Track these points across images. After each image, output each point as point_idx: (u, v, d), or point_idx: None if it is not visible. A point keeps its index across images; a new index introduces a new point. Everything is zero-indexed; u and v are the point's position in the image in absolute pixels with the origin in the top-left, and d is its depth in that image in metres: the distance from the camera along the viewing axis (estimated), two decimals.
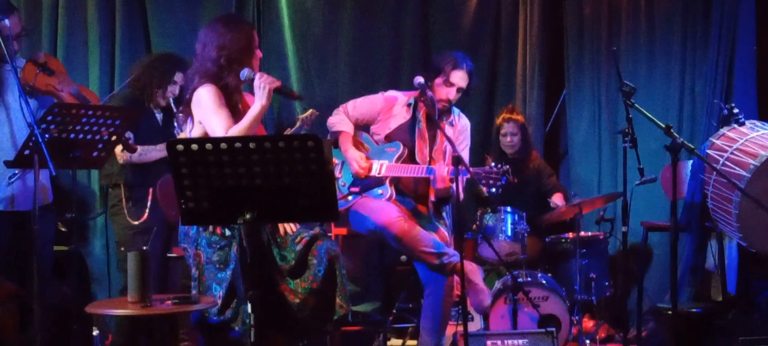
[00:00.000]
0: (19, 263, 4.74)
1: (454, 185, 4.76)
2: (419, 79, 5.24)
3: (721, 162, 5.28)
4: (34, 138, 4.18)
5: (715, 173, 5.25)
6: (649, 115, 4.65)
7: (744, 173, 5.12)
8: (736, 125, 5.48)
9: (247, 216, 3.39)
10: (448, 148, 5.38)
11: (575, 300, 6.00)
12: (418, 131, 5.42)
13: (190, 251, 4.27)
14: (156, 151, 5.51)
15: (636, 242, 6.55)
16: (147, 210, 5.57)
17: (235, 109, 4.31)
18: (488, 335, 5.34)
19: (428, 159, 5.40)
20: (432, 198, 5.40)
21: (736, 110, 5.56)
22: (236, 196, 3.39)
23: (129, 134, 4.94)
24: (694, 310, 6.12)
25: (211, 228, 4.19)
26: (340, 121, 5.52)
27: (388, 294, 6.69)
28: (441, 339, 5.27)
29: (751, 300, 6.01)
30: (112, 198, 5.71)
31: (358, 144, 5.49)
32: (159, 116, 5.69)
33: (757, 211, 4.97)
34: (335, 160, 5.43)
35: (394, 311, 6.28)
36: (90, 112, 4.37)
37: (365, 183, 5.36)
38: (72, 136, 4.34)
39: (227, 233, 4.20)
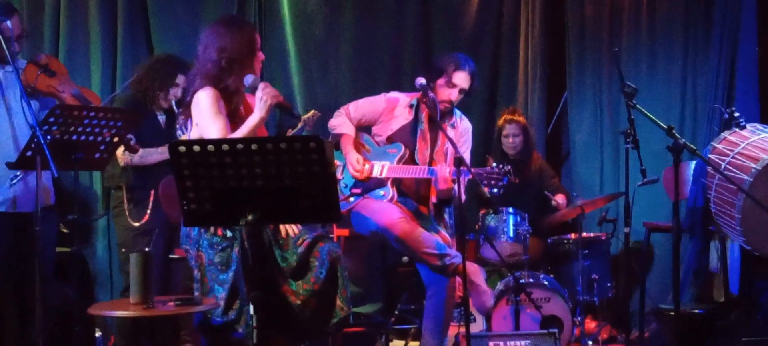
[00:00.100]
0: (21, 264, 4.74)
1: (455, 186, 4.76)
2: (421, 81, 5.25)
3: (722, 166, 5.28)
4: (36, 140, 4.18)
5: (717, 176, 5.25)
6: (651, 116, 4.65)
7: (746, 177, 5.12)
8: (737, 129, 5.48)
9: (249, 217, 3.39)
10: (450, 149, 5.38)
11: (577, 301, 6.00)
12: (421, 132, 5.42)
13: (191, 253, 4.27)
14: (157, 154, 5.52)
15: (638, 243, 6.55)
16: (148, 212, 5.58)
17: (235, 111, 4.30)
18: (490, 336, 5.34)
19: (429, 160, 5.40)
20: (433, 199, 5.40)
21: (736, 114, 5.56)
22: (238, 197, 3.39)
23: (130, 136, 4.93)
24: (696, 311, 6.12)
25: (212, 229, 4.19)
26: (341, 123, 5.52)
27: (390, 295, 6.68)
28: (443, 340, 5.27)
29: (753, 301, 6.01)
30: (115, 200, 5.72)
31: (359, 145, 5.48)
32: (161, 118, 5.69)
33: (760, 214, 4.97)
34: (337, 162, 5.43)
35: (396, 313, 6.28)
36: (92, 114, 4.37)
37: (367, 184, 5.36)
38: (74, 137, 4.35)
39: (228, 234, 4.19)
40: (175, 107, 5.51)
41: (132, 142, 5.03)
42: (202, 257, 4.23)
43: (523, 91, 7.24)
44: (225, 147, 3.32)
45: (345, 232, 5.97)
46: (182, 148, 3.32)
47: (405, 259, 5.81)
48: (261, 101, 4.17)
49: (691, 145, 4.54)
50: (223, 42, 4.26)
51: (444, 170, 5.17)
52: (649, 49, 7.06)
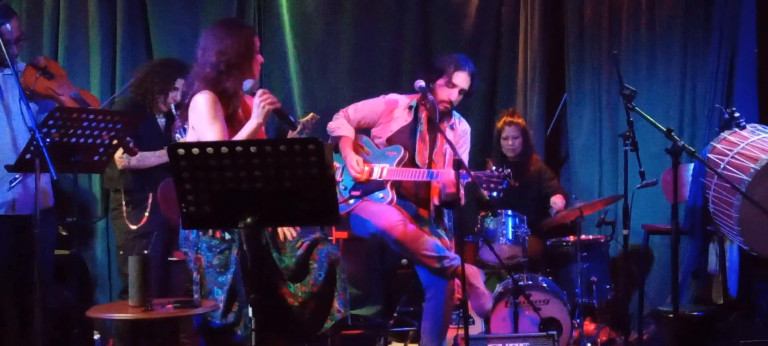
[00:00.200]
0: (20, 267, 4.74)
1: (460, 190, 4.76)
2: (420, 83, 5.26)
3: (722, 166, 5.28)
4: (35, 142, 4.18)
5: (716, 177, 5.25)
6: (650, 119, 4.66)
7: (745, 177, 5.12)
8: (737, 129, 5.48)
9: (248, 220, 3.39)
10: (448, 151, 5.38)
11: (576, 303, 6.00)
12: (420, 134, 5.42)
13: (190, 255, 4.27)
14: (155, 157, 5.52)
15: (637, 245, 6.55)
16: (146, 215, 5.57)
17: (233, 115, 4.30)
18: (489, 338, 5.34)
19: (428, 162, 5.40)
20: (436, 202, 5.40)
21: (737, 114, 5.57)
22: (237, 200, 3.39)
23: (129, 138, 4.93)
24: (695, 313, 6.13)
25: (210, 232, 4.19)
26: (340, 125, 5.52)
27: (389, 298, 6.69)
28: (442, 343, 5.27)
29: (752, 303, 6.01)
30: (113, 202, 5.73)
31: (358, 148, 5.49)
32: (161, 122, 5.69)
33: (758, 214, 4.97)
34: (336, 165, 5.43)
35: (395, 315, 6.28)
36: (91, 116, 4.37)
37: (366, 187, 5.36)
38: (73, 140, 4.35)
39: (227, 236, 4.19)
40: (174, 111, 5.51)
41: (130, 145, 5.03)
42: (201, 260, 4.23)
43: (522, 94, 7.25)
44: (224, 150, 3.31)
45: (344, 234, 5.97)
46: (181, 151, 3.32)
47: (404, 261, 5.82)
48: (258, 107, 4.17)
49: (690, 148, 4.54)
50: (222, 45, 4.26)
51: (450, 174, 5.15)
52: (648, 51, 7.06)
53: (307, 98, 6.86)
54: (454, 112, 5.56)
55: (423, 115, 5.44)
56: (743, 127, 5.47)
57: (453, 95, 5.39)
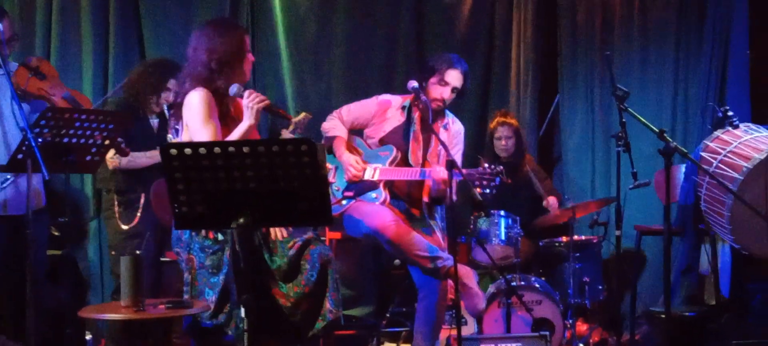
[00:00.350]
0: (12, 267, 4.73)
1: (448, 188, 4.76)
2: (413, 83, 5.26)
3: (714, 164, 5.29)
4: (27, 142, 4.18)
5: (708, 175, 5.26)
6: (643, 120, 4.66)
7: (737, 176, 5.13)
8: (730, 128, 5.50)
9: (241, 220, 3.39)
10: (442, 151, 5.38)
11: (569, 304, 6.00)
12: (413, 134, 5.42)
13: (182, 256, 4.26)
14: (145, 158, 5.51)
15: (629, 246, 6.56)
16: (138, 215, 5.57)
17: (226, 113, 4.30)
18: (482, 338, 5.35)
19: (422, 162, 5.41)
20: (425, 199, 5.40)
21: (730, 113, 5.58)
22: (230, 200, 3.38)
23: (121, 139, 4.92)
24: (687, 313, 6.14)
25: (203, 232, 4.18)
26: (334, 126, 5.52)
27: (382, 298, 6.69)
28: (435, 343, 5.27)
29: (744, 303, 6.03)
30: (106, 202, 5.72)
31: (351, 149, 5.48)
32: (154, 122, 5.68)
33: (749, 213, 4.98)
34: (329, 165, 5.43)
35: (388, 315, 6.28)
36: (83, 117, 4.36)
37: (359, 187, 5.36)
38: (65, 140, 4.34)
39: (220, 237, 4.19)
40: (166, 112, 5.50)
41: (122, 146, 5.02)
42: (193, 260, 4.22)
43: (515, 94, 7.25)
44: (216, 150, 3.31)
45: (337, 235, 5.96)
46: (174, 151, 3.32)
47: (397, 261, 5.82)
48: (248, 109, 4.17)
49: (683, 149, 4.55)
50: (213, 44, 4.25)
51: (441, 170, 5.15)
52: (641, 52, 7.08)
53: (300, 98, 6.86)
54: (448, 112, 5.56)
55: (416, 115, 5.44)
56: (736, 126, 5.49)
57: (445, 93, 5.39)
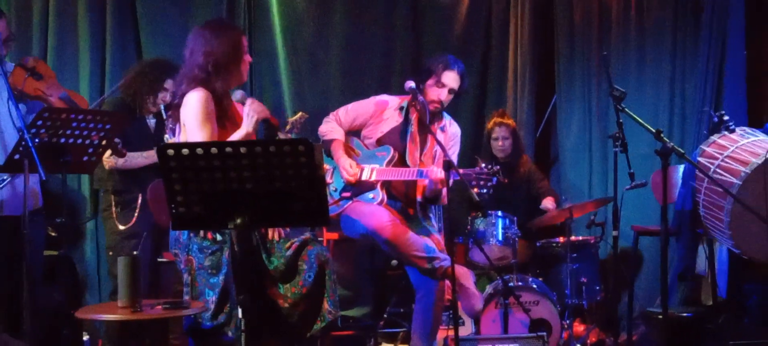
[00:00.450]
0: (9, 268, 4.72)
1: (444, 189, 4.75)
2: (410, 84, 5.27)
3: (711, 170, 5.29)
4: (23, 143, 4.17)
5: (706, 180, 5.26)
6: (640, 120, 4.66)
7: (735, 181, 5.14)
8: (726, 133, 5.50)
9: (238, 221, 3.39)
10: (438, 152, 5.39)
11: (566, 304, 6.00)
12: (410, 135, 5.42)
13: (181, 257, 4.26)
14: (142, 158, 5.51)
15: (626, 247, 6.57)
16: (135, 215, 5.56)
17: (224, 115, 4.29)
18: (479, 339, 5.35)
19: (418, 163, 5.40)
20: (419, 199, 5.39)
21: (726, 118, 5.58)
22: (227, 200, 3.38)
23: (117, 139, 4.92)
24: (684, 314, 6.15)
25: (202, 233, 4.18)
26: (331, 129, 5.52)
27: (379, 298, 6.68)
28: (432, 343, 5.27)
29: (741, 304, 6.03)
30: (103, 203, 5.72)
31: (349, 150, 5.48)
32: (151, 122, 5.68)
33: (748, 218, 4.98)
34: (327, 166, 5.43)
35: (386, 316, 6.28)
36: (80, 117, 4.35)
37: (356, 188, 5.36)
38: (62, 140, 4.33)
39: (218, 237, 4.18)
40: (163, 112, 5.50)
41: (119, 146, 5.01)
42: (192, 261, 4.22)
43: (512, 95, 7.26)
44: (214, 150, 3.31)
45: (335, 235, 5.96)
46: (171, 151, 3.32)
47: (394, 262, 5.82)
48: (248, 117, 4.17)
49: (680, 149, 4.55)
50: (210, 46, 4.25)
51: (438, 170, 5.15)
52: (638, 52, 7.08)
53: (297, 98, 6.85)
54: (445, 114, 5.56)
55: (413, 116, 5.45)
56: (733, 131, 5.49)
57: (442, 95, 5.39)
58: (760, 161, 5.12)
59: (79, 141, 4.41)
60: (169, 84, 5.50)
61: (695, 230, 5.81)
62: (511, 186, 6.19)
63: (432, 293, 5.18)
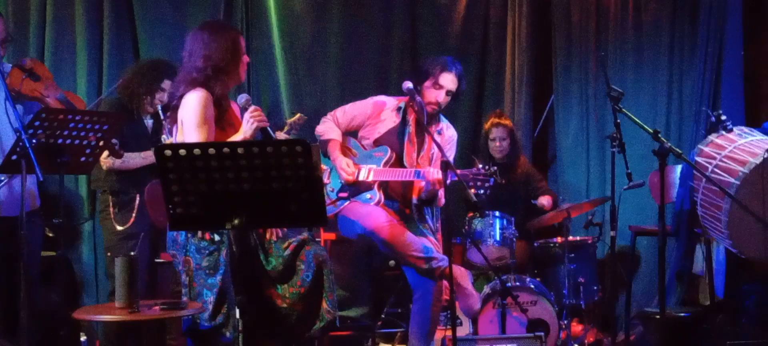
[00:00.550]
0: (6, 269, 4.71)
1: (441, 190, 4.75)
2: (408, 85, 5.27)
3: (709, 169, 5.29)
4: (21, 143, 4.16)
5: (704, 180, 5.27)
6: (637, 120, 4.67)
7: (733, 181, 5.13)
8: (724, 132, 5.50)
9: (236, 221, 3.39)
10: (435, 153, 5.39)
11: (563, 305, 6.00)
12: (408, 136, 5.42)
13: (179, 258, 4.26)
14: (139, 159, 5.50)
15: (624, 247, 6.56)
16: (133, 216, 5.56)
17: (222, 117, 4.29)
18: (477, 339, 5.35)
19: (415, 163, 5.40)
20: (414, 200, 5.39)
21: (723, 117, 5.58)
22: (225, 201, 3.38)
23: (114, 140, 4.92)
24: (682, 314, 6.15)
25: (200, 234, 4.18)
26: (328, 129, 5.52)
27: (376, 299, 6.68)
28: (430, 344, 5.27)
29: (738, 304, 6.03)
30: (101, 203, 5.71)
31: (346, 150, 5.48)
32: (149, 123, 5.67)
33: (746, 217, 4.98)
34: (324, 167, 5.43)
35: (383, 316, 6.28)
36: (77, 118, 4.35)
37: (354, 188, 5.36)
38: (59, 141, 4.33)
39: (216, 238, 4.19)
40: (160, 113, 5.49)
41: (116, 147, 5.01)
42: (190, 262, 4.22)
43: (509, 95, 7.26)
44: (211, 151, 3.31)
45: (332, 236, 5.97)
46: (168, 152, 3.32)
47: (392, 262, 5.82)
48: (247, 123, 4.17)
49: (677, 149, 4.56)
50: (209, 50, 4.26)
51: (436, 173, 5.15)
52: (636, 52, 7.08)
53: (294, 99, 6.85)
54: (442, 118, 5.57)
55: (411, 117, 5.44)
56: (730, 130, 5.49)
57: (440, 97, 5.39)
58: (758, 161, 5.12)
59: (77, 142, 4.41)
60: (166, 84, 5.49)
61: (693, 229, 5.82)
62: (508, 186, 6.19)
63: (430, 294, 5.18)
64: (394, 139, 5.43)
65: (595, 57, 7.11)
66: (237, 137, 4.19)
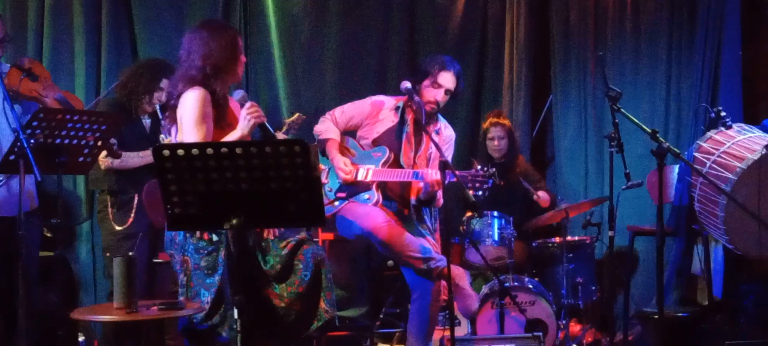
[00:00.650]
0: (4, 269, 4.71)
1: (440, 191, 4.75)
2: (406, 85, 5.27)
3: (707, 165, 5.30)
4: (19, 143, 4.16)
5: (701, 176, 5.28)
6: (635, 120, 4.67)
7: (730, 176, 5.14)
8: (723, 128, 5.51)
9: (234, 221, 3.39)
10: (433, 154, 5.38)
11: (562, 305, 6.01)
12: (406, 136, 5.42)
13: (177, 257, 4.25)
14: (138, 158, 5.50)
15: (622, 247, 6.56)
16: (132, 216, 5.55)
17: (221, 116, 4.29)
18: (475, 339, 5.35)
19: (412, 164, 5.40)
20: (413, 200, 5.39)
21: (723, 113, 5.59)
22: (223, 201, 3.38)
23: (113, 140, 4.91)
24: (680, 314, 6.15)
25: (198, 234, 4.17)
26: (327, 129, 5.51)
27: (375, 299, 6.69)
28: (428, 344, 5.26)
29: (737, 304, 6.04)
30: (99, 204, 5.70)
31: (344, 150, 5.48)
32: (146, 123, 5.67)
33: (743, 214, 4.99)
34: (322, 166, 5.43)
35: (382, 316, 6.28)
36: (75, 118, 4.35)
37: (352, 188, 5.36)
38: (58, 141, 4.33)
39: (214, 238, 4.18)
40: (159, 112, 5.49)
41: (114, 147, 5.01)
42: (188, 262, 4.21)
43: (508, 95, 7.26)
44: (209, 151, 3.31)
45: (330, 236, 5.97)
46: (166, 152, 3.31)
47: (390, 262, 5.82)
48: (244, 120, 4.17)
49: (675, 149, 4.56)
50: (208, 48, 4.25)
51: (434, 174, 5.15)
52: (634, 53, 7.09)
53: (292, 98, 6.85)
54: (441, 118, 5.56)
55: (409, 116, 5.44)
56: (730, 127, 5.50)
57: (439, 96, 5.39)
58: (755, 157, 5.13)
59: (75, 142, 4.40)
60: (164, 84, 5.49)
61: (691, 226, 5.82)
62: (507, 187, 6.19)
63: (428, 294, 5.17)
64: (393, 139, 5.43)
65: (593, 57, 7.11)
66: (234, 135, 4.18)
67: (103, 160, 5.44)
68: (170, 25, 6.51)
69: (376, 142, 5.45)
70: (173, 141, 4.34)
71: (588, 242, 6.32)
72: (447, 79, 5.38)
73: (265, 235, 4.34)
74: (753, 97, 6.81)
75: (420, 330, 5.22)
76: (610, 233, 5.31)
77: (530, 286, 5.83)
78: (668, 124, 6.95)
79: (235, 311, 3.93)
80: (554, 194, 6.75)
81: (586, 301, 6.19)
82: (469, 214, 6.19)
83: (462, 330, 5.86)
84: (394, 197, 5.42)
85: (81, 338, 5.73)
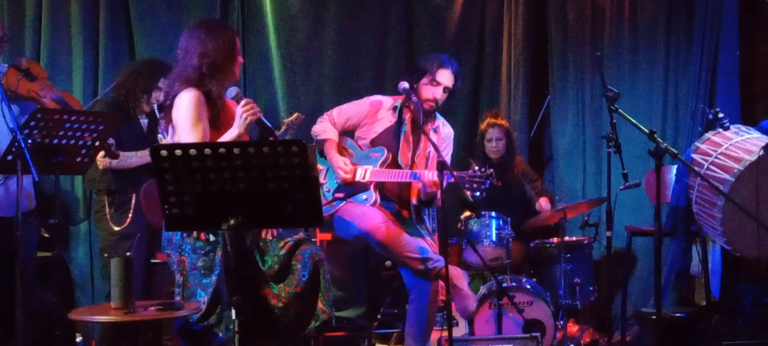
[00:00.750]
0: (2, 269, 4.70)
1: (439, 191, 4.75)
2: (404, 85, 5.27)
3: (705, 166, 5.30)
4: (16, 143, 4.16)
5: (699, 177, 5.28)
6: (633, 121, 4.67)
7: (728, 177, 5.14)
8: (721, 130, 5.51)
9: (232, 222, 3.38)
10: (432, 153, 5.38)
11: (560, 305, 6.00)
12: (404, 136, 5.42)
13: (174, 257, 4.25)
14: (136, 158, 5.49)
15: (620, 247, 6.57)
16: (129, 216, 5.55)
17: (216, 116, 4.28)
18: (473, 340, 5.35)
19: (410, 164, 5.40)
20: (414, 202, 5.39)
21: (721, 115, 5.59)
22: (220, 201, 3.38)
23: (111, 140, 4.91)
24: (678, 314, 6.15)
25: (195, 234, 4.17)
26: (325, 129, 5.51)
27: (372, 299, 6.68)
28: (426, 344, 5.27)
29: (734, 304, 6.04)
30: (97, 204, 5.70)
31: (342, 150, 5.48)
32: (144, 122, 5.67)
33: (741, 215, 4.99)
34: (320, 167, 5.43)
35: (379, 316, 6.28)
36: (73, 118, 4.34)
37: (350, 189, 5.35)
38: (55, 141, 4.32)
39: (211, 238, 4.18)
40: (156, 112, 5.49)
41: (112, 148, 5.00)
42: (185, 262, 4.21)
43: (505, 95, 7.26)
44: (207, 151, 3.30)
45: (328, 236, 5.96)
46: (164, 152, 3.31)
47: (388, 263, 5.82)
48: (241, 118, 4.15)
49: (673, 149, 4.56)
50: (204, 47, 4.24)
51: (433, 174, 5.15)
52: (632, 53, 7.09)
53: (290, 99, 6.85)
54: (438, 115, 5.56)
55: (407, 116, 5.44)
56: (727, 128, 5.50)
57: (437, 93, 5.39)
58: (753, 159, 5.13)
59: (73, 142, 4.40)
60: (162, 83, 5.48)
61: (689, 227, 5.82)
62: (504, 187, 6.19)
63: (426, 294, 5.17)
64: (391, 139, 5.42)
65: (591, 57, 7.11)
66: (231, 133, 4.16)
67: (101, 160, 5.43)
68: (168, 24, 6.52)
69: (374, 143, 5.44)
70: (170, 141, 4.33)
71: (586, 242, 6.32)
72: (445, 77, 5.38)
73: (263, 235, 4.34)
74: (750, 96, 6.82)
75: (418, 331, 5.22)
76: (608, 234, 5.31)
77: (528, 286, 5.83)
78: (666, 124, 6.95)
79: (233, 311, 3.93)
80: (552, 194, 6.75)
81: (583, 301, 6.19)
82: (466, 214, 6.18)
83: (460, 331, 5.86)
84: (393, 197, 5.42)
85: (79, 339, 5.73)
